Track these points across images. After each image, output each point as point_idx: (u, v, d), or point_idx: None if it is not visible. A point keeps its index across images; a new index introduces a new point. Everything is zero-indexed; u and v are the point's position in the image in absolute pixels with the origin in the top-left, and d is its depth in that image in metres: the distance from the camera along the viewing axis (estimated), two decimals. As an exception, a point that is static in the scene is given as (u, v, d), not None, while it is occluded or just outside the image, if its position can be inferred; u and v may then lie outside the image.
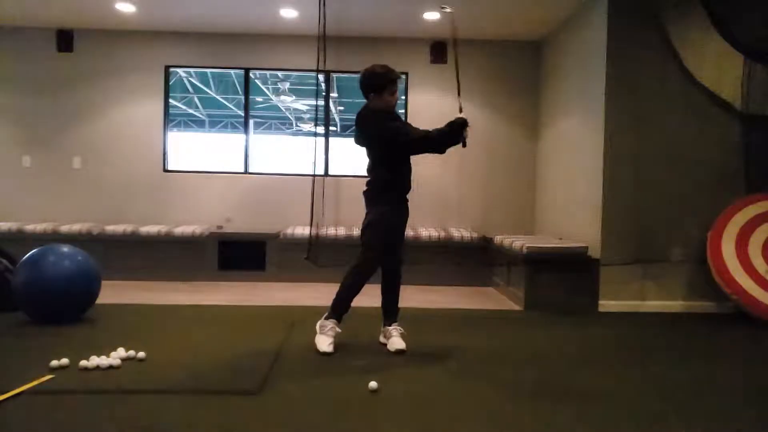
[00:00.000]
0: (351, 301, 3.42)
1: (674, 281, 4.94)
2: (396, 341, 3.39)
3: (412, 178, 3.52)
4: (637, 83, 4.90)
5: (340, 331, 3.40)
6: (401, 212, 3.49)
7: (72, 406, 2.49)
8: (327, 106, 6.93)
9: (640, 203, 4.93)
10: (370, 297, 3.55)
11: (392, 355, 3.34)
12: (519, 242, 5.10)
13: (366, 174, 3.52)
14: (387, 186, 3.43)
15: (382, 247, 3.40)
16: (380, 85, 3.40)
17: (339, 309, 3.41)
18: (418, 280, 5.79)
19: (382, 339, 3.50)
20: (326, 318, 3.40)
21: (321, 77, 6.53)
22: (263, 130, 17.46)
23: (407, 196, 3.52)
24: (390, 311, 3.52)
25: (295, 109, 15.40)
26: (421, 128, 3.40)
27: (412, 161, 3.52)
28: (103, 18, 6.10)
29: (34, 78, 6.52)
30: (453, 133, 3.31)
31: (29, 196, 6.53)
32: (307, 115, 15.10)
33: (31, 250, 4.04)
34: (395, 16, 5.89)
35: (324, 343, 3.31)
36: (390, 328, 3.48)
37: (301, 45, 6.43)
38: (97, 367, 2.98)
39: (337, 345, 3.38)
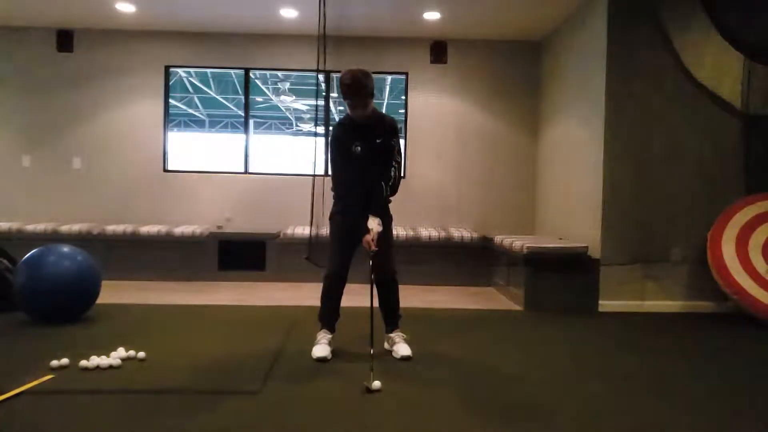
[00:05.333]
0: (329, 307, 3.41)
1: (674, 281, 4.93)
2: (401, 347, 3.35)
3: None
4: (637, 83, 4.90)
5: (331, 336, 3.38)
6: (342, 222, 3.41)
7: (72, 406, 2.49)
8: (327, 106, 6.94)
9: (640, 203, 4.93)
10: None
11: (391, 356, 3.34)
12: (519, 242, 5.10)
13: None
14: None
15: (331, 253, 3.44)
16: None
17: (321, 316, 3.44)
18: (418, 280, 5.80)
19: (386, 346, 3.47)
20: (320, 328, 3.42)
21: (321, 77, 6.53)
22: (263, 130, 17.47)
23: (353, 209, 3.34)
24: (389, 320, 3.49)
25: (295, 109, 15.41)
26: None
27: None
28: (103, 18, 6.10)
29: (34, 78, 6.52)
30: (349, 217, 3.33)
31: (29, 196, 6.53)
32: (307, 115, 15.11)
33: (31, 250, 4.04)
34: (395, 16, 5.89)
35: (318, 350, 3.28)
36: (392, 335, 3.46)
37: (301, 45, 6.43)
38: (97, 367, 2.98)
39: (337, 345, 3.39)
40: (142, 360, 3.15)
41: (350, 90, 3.17)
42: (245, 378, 2.90)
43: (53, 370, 2.93)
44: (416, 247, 5.97)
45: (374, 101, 3.32)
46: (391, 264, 3.41)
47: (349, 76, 3.17)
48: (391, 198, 3.41)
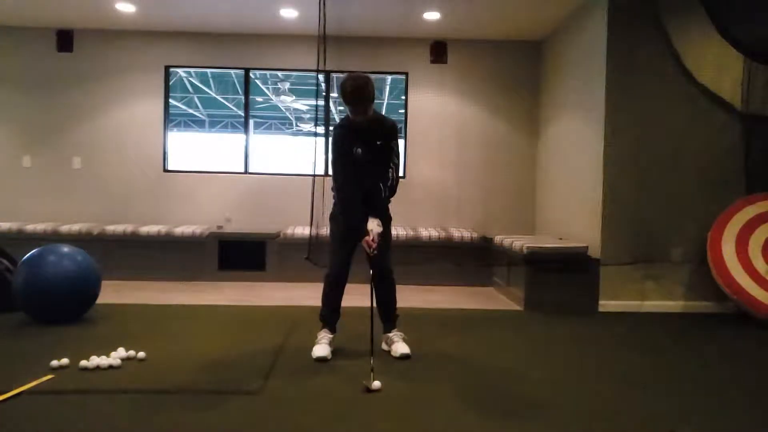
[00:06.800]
0: (330, 307, 3.42)
1: (674, 281, 4.93)
2: (399, 346, 3.36)
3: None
4: (637, 83, 4.90)
5: (332, 336, 3.39)
6: (343, 222, 3.39)
7: (72, 406, 2.49)
8: (327, 106, 6.93)
9: (640, 203, 4.93)
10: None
11: (391, 356, 3.34)
12: (519, 242, 5.10)
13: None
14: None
15: (331, 253, 3.46)
16: None
17: (322, 316, 3.44)
18: (418, 280, 5.80)
19: (384, 346, 3.47)
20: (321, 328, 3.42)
21: (321, 77, 6.53)
22: (263, 130, 17.47)
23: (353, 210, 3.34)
24: (387, 319, 3.49)
25: (295, 109, 15.42)
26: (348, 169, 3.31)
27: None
28: (103, 18, 6.10)
29: (34, 78, 6.52)
30: (350, 218, 3.31)
31: (29, 196, 6.53)
32: (307, 115, 15.11)
33: (31, 250, 4.04)
34: (395, 16, 5.89)
35: (318, 350, 3.28)
36: (390, 335, 3.46)
37: (301, 45, 6.43)
38: (97, 367, 2.98)
39: (337, 345, 3.39)
40: (142, 360, 3.15)
41: (351, 96, 3.16)
42: (245, 377, 2.90)
43: (53, 370, 2.94)
44: (416, 247, 5.97)
45: (374, 101, 3.31)
46: (387, 263, 3.41)
47: (350, 83, 3.15)
48: (390, 199, 3.42)
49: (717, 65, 4.91)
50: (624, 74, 4.89)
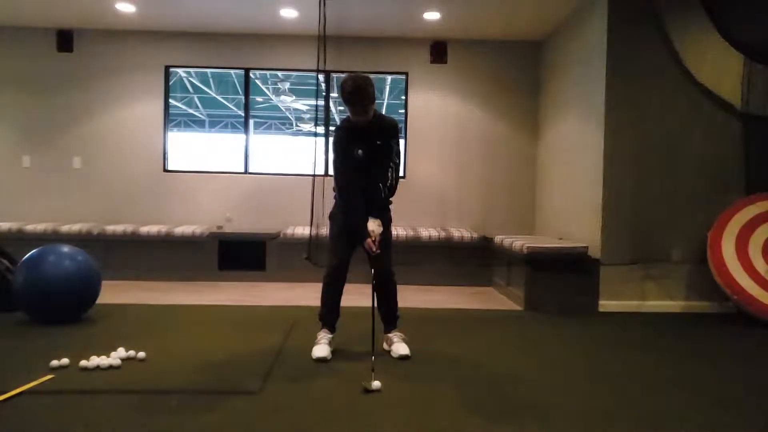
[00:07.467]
0: (329, 307, 3.41)
1: (674, 281, 4.94)
2: (399, 347, 3.36)
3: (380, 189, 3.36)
4: (637, 83, 4.90)
5: (331, 336, 3.38)
6: (342, 221, 3.39)
7: (72, 406, 2.49)
8: (327, 106, 6.93)
9: (640, 203, 4.93)
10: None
11: (391, 356, 3.34)
12: (519, 242, 5.10)
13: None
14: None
15: (330, 252, 3.45)
16: None
17: (321, 315, 3.43)
18: (418, 280, 5.80)
19: (385, 346, 3.47)
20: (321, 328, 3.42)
21: (321, 77, 6.53)
22: (263, 130, 17.47)
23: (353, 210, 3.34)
24: (387, 320, 3.49)
25: (295, 109, 15.41)
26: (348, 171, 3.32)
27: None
28: (103, 18, 6.11)
29: (34, 78, 6.53)
30: (352, 220, 3.30)
31: (29, 196, 6.53)
32: (307, 115, 15.11)
33: (31, 250, 4.04)
34: (395, 16, 5.89)
35: (318, 350, 3.28)
36: (390, 335, 3.46)
37: (301, 45, 6.43)
38: (97, 367, 2.98)
39: (337, 345, 3.39)
40: (142, 360, 3.15)
41: (352, 97, 3.15)
42: (245, 378, 2.90)
43: (53, 370, 2.93)
44: (416, 247, 5.97)
45: (375, 102, 3.31)
46: (389, 264, 3.40)
47: (350, 84, 3.14)
48: (390, 199, 3.42)
49: (717, 65, 4.91)
50: (624, 74, 4.89)
